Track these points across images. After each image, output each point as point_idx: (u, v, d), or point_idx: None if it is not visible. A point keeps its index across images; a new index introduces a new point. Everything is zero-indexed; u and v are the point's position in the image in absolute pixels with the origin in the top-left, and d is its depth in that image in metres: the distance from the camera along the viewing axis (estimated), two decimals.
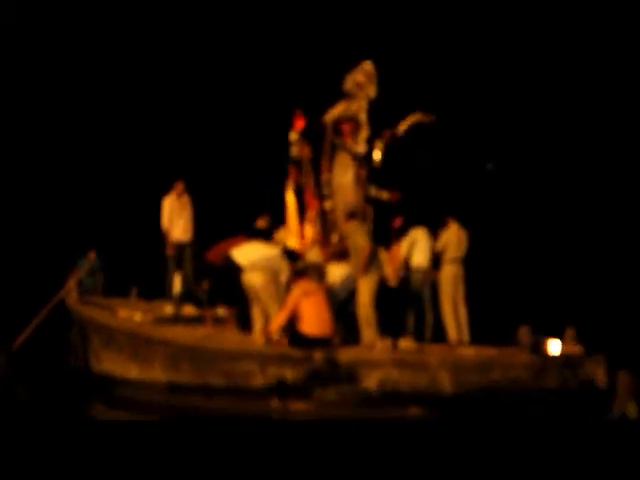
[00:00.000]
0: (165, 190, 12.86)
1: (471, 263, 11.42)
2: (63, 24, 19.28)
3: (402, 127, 12.15)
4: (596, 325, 10.73)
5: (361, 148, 12.08)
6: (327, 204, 12.14)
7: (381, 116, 12.00)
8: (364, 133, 12.13)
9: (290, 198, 12.19)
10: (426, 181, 12.43)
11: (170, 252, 12.68)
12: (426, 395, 9.36)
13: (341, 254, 11.88)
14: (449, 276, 11.38)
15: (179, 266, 12.72)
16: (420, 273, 11.19)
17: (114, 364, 11.47)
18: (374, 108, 12.08)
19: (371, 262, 10.69)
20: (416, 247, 11.27)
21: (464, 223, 11.61)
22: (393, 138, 12.10)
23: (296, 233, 12.19)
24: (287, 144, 12.17)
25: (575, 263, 15.08)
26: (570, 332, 9.84)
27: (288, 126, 12.18)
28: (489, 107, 15.97)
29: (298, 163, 12.22)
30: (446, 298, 11.34)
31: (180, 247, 12.72)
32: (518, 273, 14.66)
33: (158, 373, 10.71)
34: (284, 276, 10.90)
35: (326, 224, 12.11)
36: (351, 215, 11.32)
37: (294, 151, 12.22)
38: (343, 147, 12.14)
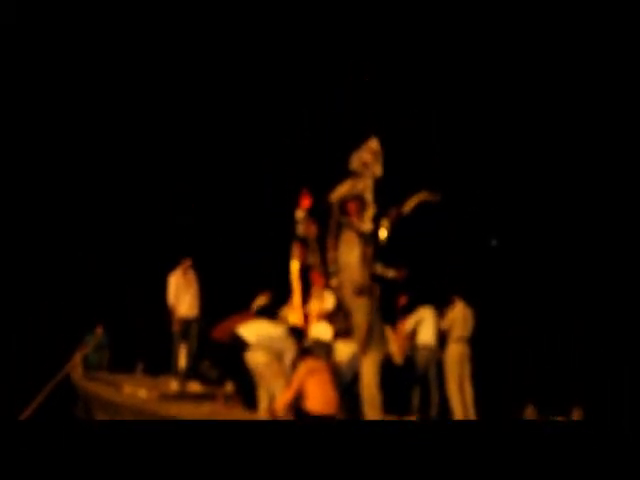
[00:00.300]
0: (171, 266, 12.94)
1: (477, 341, 11.45)
2: (63, 24, 19.38)
3: (408, 206, 12.27)
4: (603, 405, 10.71)
5: (367, 226, 12.15)
6: (333, 282, 12.20)
7: (387, 193, 12.14)
8: (370, 211, 12.21)
9: (295, 275, 12.27)
10: (432, 259, 12.53)
11: (176, 328, 12.71)
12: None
13: (347, 331, 11.92)
14: (455, 355, 11.40)
15: (185, 342, 12.74)
16: (426, 351, 11.22)
17: None
18: (380, 185, 12.22)
19: (374, 341, 10.69)
20: (422, 325, 11.33)
21: (470, 302, 11.67)
22: (399, 216, 12.21)
23: (300, 310, 12.25)
24: (293, 222, 12.30)
25: (581, 342, 15.05)
26: (577, 412, 9.83)
27: (294, 204, 12.32)
28: (490, 183, 16.16)
29: (304, 241, 12.33)
30: (452, 377, 11.34)
31: (186, 323, 12.76)
32: (524, 352, 14.64)
33: None
34: (290, 355, 10.88)
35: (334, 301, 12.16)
36: (360, 292, 11.37)
37: (300, 229, 12.33)
38: (349, 226, 12.22)
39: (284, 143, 17.73)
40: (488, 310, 11.78)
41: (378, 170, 12.19)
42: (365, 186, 12.18)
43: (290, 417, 10.17)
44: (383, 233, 12.00)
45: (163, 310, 12.87)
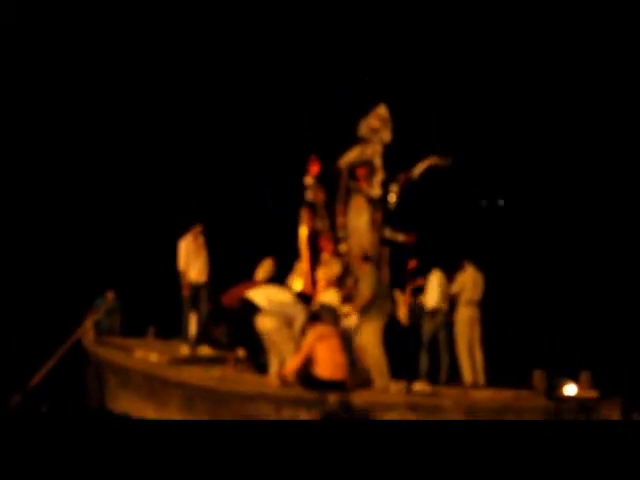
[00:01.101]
0: (182, 232, 12.96)
1: (487, 305, 11.45)
2: (63, 24, 19.39)
3: (417, 170, 12.25)
4: (612, 369, 10.71)
5: (376, 191, 12.18)
6: (342, 247, 12.23)
7: (396, 159, 12.11)
8: (379, 177, 12.23)
9: (303, 241, 12.27)
10: (441, 223, 12.50)
11: (186, 293, 12.75)
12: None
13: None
14: (465, 318, 11.42)
15: (195, 307, 12.79)
16: (435, 315, 11.21)
17: (130, 404, 11.55)
18: (389, 151, 12.19)
19: (375, 309, 10.74)
20: (431, 289, 11.30)
21: (480, 265, 11.65)
22: (408, 181, 12.20)
23: (308, 275, 12.27)
24: (302, 188, 12.29)
25: (591, 306, 15.05)
26: (585, 376, 9.83)
27: (303, 171, 12.30)
28: (496, 144, 16.11)
29: (313, 207, 12.32)
30: (462, 340, 11.38)
31: (196, 288, 12.79)
32: (534, 315, 14.65)
33: (174, 414, 10.75)
34: (300, 321, 10.92)
35: (340, 267, 12.18)
36: (365, 258, 11.38)
37: (309, 195, 12.33)
38: (358, 191, 12.24)
39: (294, 110, 17.67)
40: (498, 274, 11.75)
41: (387, 136, 12.18)
42: (374, 152, 12.20)
43: (299, 382, 10.23)
44: (392, 198, 12.01)
45: (174, 275, 12.91)
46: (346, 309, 11.51)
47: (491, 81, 17.24)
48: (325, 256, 12.20)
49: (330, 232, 12.31)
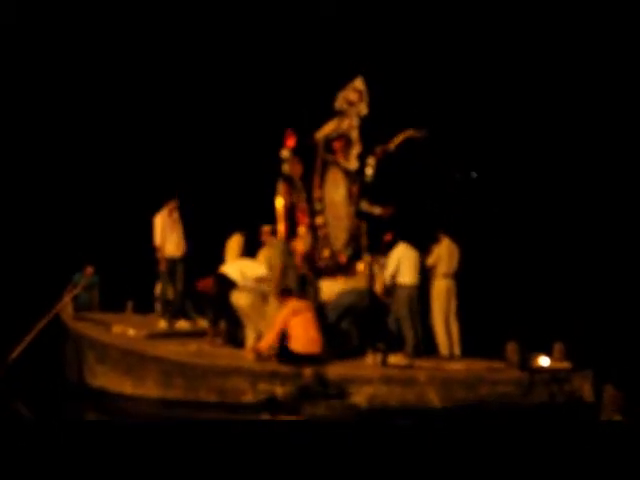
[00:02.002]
0: (157, 207, 12.95)
1: (462, 277, 11.49)
2: (63, 24, 19.34)
3: (394, 143, 12.24)
4: (584, 340, 10.79)
5: (352, 164, 12.19)
6: (319, 219, 12.24)
7: (373, 132, 12.10)
8: (356, 150, 12.23)
9: (280, 214, 12.28)
10: (417, 195, 12.50)
11: (163, 267, 12.77)
12: (415, 410, 9.42)
13: (333, 269, 12.00)
14: (441, 290, 11.43)
15: (172, 281, 12.81)
16: (408, 290, 11.19)
17: (108, 379, 11.59)
18: (365, 124, 12.18)
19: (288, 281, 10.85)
20: (403, 264, 11.25)
21: (455, 237, 11.67)
22: (385, 154, 12.19)
23: None
24: (278, 161, 12.27)
25: (563, 278, 15.16)
26: (558, 347, 9.91)
27: (279, 144, 12.27)
28: (469, 116, 16.18)
29: (289, 180, 12.31)
30: (438, 312, 11.40)
31: (172, 262, 12.82)
32: (507, 287, 14.75)
33: (151, 388, 10.80)
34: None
35: (317, 239, 12.21)
36: (272, 232, 11.44)
37: (285, 168, 12.32)
38: (335, 164, 12.24)
39: (271, 83, 17.62)
40: (472, 246, 11.78)
41: (363, 108, 12.16)
42: (350, 125, 12.19)
43: (274, 356, 10.30)
44: (369, 171, 12.00)
45: (151, 250, 12.92)
46: (325, 282, 11.61)
47: (466, 53, 17.27)
48: (302, 229, 12.22)
49: (306, 205, 12.31)
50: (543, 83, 17.36)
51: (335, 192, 12.25)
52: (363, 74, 12.18)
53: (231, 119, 18.37)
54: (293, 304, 10.36)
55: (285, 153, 12.27)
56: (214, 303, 11.95)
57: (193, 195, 13.78)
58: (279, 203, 12.28)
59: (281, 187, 12.34)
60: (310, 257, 12.00)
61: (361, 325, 11.34)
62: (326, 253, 12.07)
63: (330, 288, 11.58)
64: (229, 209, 15.84)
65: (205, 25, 19.19)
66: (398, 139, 12.22)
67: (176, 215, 12.95)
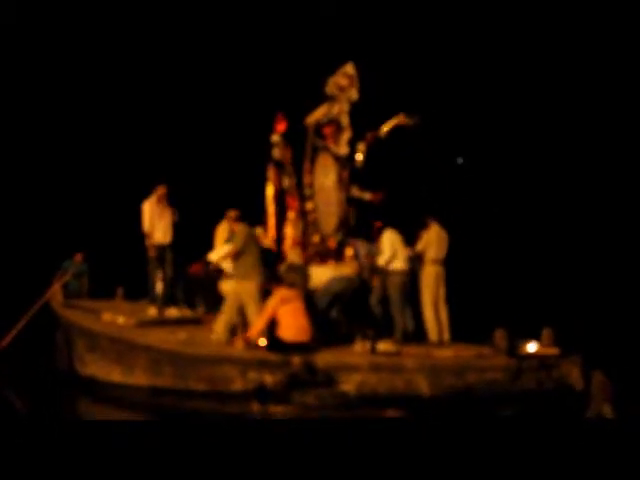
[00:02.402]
0: (146, 193, 12.92)
1: (450, 263, 11.49)
2: (63, 24, 19.30)
3: (385, 129, 12.20)
4: (573, 326, 10.82)
5: (343, 150, 12.15)
6: (308, 205, 12.23)
7: (364, 118, 12.06)
8: (346, 135, 12.19)
9: (270, 199, 12.25)
10: (407, 181, 12.47)
11: (152, 254, 12.76)
12: (404, 398, 9.44)
13: (322, 255, 11.98)
14: (430, 276, 11.44)
15: (161, 268, 12.80)
16: (399, 276, 11.19)
17: (98, 368, 11.57)
18: (356, 110, 12.14)
19: (250, 268, 10.81)
20: (383, 249, 11.24)
21: (444, 223, 11.66)
22: (375, 140, 12.16)
23: (273, 233, 12.30)
24: (269, 146, 12.23)
25: (553, 265, 15.18)
26: (547, 333, 9.93)
27: (270, 128, 12.23)
28: (456, 103, 16.19)
29: (279, 165, 12.28)
30: (427, 298, 11.40)
31: (161, 249, 12.80)
32: (496, 274, 14.77)
33: (141, 377, 10.79)
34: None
35: (307, 225, 12.20)
36: (238, 218, 11.41)
37: (276, 153, 12.29)
38: (325, 149, 12.21)
39: (260, 67, 17.58)
40: (461, 232, 11.79)
41: (354, 94, 12.12)
42: (341, 110, 12.15)
43: (262, 343, 10.30)
44: (359, 157, 11.97)
45: (140, 236, 12.91)
46: (315, 268, 11.59)
47: (454, 42, 17.27)
48: (292, 214, 12.20)
49: (297, 190, 12.29)
50: (540, 76, 17.39)
51: (325, 177, 12.23)
52: (354, 59, 12.12)
53: (222, 104, 18.33)
54: (282, 292, 10.34)
55: (275, 138, 12.25)
56: (205, 290, 11.95)
57: (182, 181, 13.75)
58: (269, 188, 12.25)
59: (271, 172, 12.32)
60: (300, 242, 11.99)
61: (350, 311, 11.34)
62: (316, 238, 12.07)
63: (320, 274, 11.56)
64: (219, 195, 15.75)
65: (197, 13, 19.15)
66: (389, 125, 12.19)
67: (165, 202, 12.91)
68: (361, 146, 12.14)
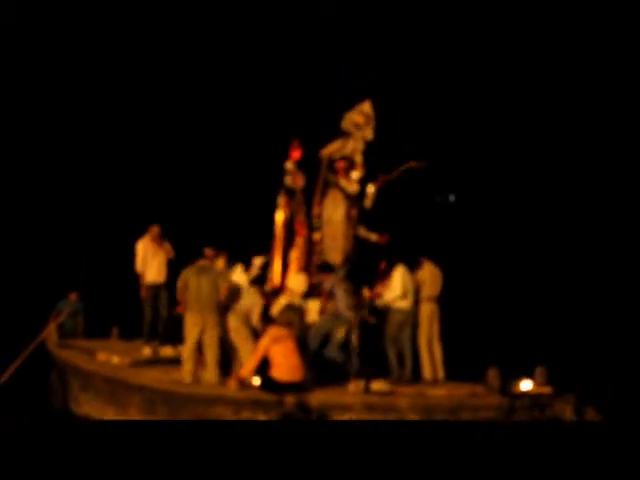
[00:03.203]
0: (142, 232, 12.97)
1: (443, 301, 11.51)
2: (63, 24, 19.41)
3: (395, 173, 12.27)
4: (565, 365, 10.82)
5: (353, 188, 12.22)
6: (316, 235, 12.27)
7: (376, 157, 12.14)
8: (358, 173, 12.27)
9: (279, 225, 12.28)
10: (403, 220, 12.51)
11: (144, 294, 12.78)
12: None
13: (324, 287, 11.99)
14: (425, 314, 11.44)
15: (155, 308, 12.81)
16: (402, 314, 11.19)
17: (92, 407, 11.60)
18: (370, 149, 12.19)
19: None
20: (394, 286, 11.25)
21: (437, 261, 11.69)
22: (386, 183, 12.23)
23: (279, 257, 12.29)
24: (282, 173, 12.28)
25: (544, 302, 15.22)
26: (540, 371, 9.93)
27: (285, 155, 12.29)
28: (447, 140, 16.33)
29: (291, 192, 12.33)
30: (423, 336, 11.41)
31: (155, 289, 12.82)
32: (488, 312, 14.80)
33: (134, 416, 10.78)
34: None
35: (313, 254, 12.21)
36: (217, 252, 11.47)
37: (288, 180, 12.33)
38: (336, 184, 12.27)
39: (279, 95, 17.68)
40: (452, 269, 11.81)
41: (369, 133, 12.20)
42: (355, 148, 12.23)
43: (256, 383, 10.31)
44: (368, 201, 12.03)
45: (135, 275, 12.94)
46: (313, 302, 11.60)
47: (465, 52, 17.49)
48: (299, 240, 12.23)
49: (305, 219, 12.32)
50: (538, 86, 17.56)
51: (334, 212, 12.27)
52: (373, 98, 12.16)
53: (240, 129, 18.39)
54: (274, 332, 10.36)
55: (289, 165, 12.30)
56: None
57: (178, 218, 13.79)
58: (279, 214, 12.30)
59: (282, 199, 12.35)
60: (305, 269, 12.02)
61: (345, 349, 11.34)
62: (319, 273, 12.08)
63: (315, 308, 11.58)
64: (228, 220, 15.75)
65: (206, 32, 19.24)
66: (400, 170, 12.25)
67: (158, 241, 12.94)
68: (371, 188, 12.19)
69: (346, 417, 9.60)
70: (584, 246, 16.09)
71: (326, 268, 11.67)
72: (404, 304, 11.20)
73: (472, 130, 16.86)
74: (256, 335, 10.93)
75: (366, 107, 12.24)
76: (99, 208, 18.59)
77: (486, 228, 14.87)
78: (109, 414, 11.18)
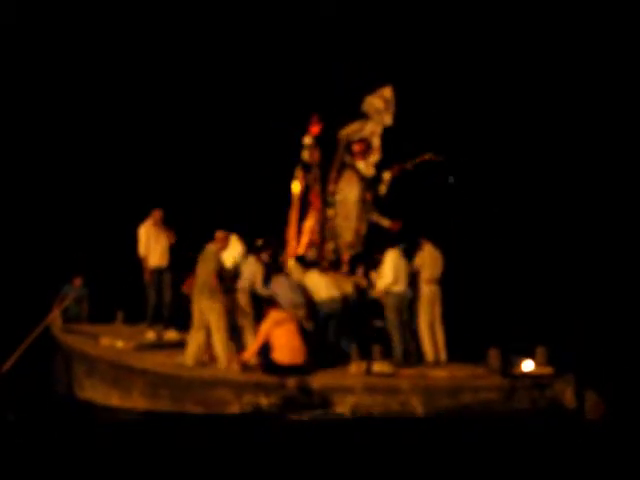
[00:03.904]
0: (145, 216, 13.00)
1: (445, 283, 11.51)
2: (63, 24, 19.40)
3: (412, 163, 12.26)
4: (567, 345, 10.83)
5: (369, 171, 12.23)
6: (329, 212, 12.29)
7: (394, 144, 12.14)
8: (374, 157, 12.26)
9: (295, 197, 12.31)
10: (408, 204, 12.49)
11: (147, 278, 12.82)
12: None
13: (332, 264, 12.03)
14: (426, 296, 11.42)
15: (158, 291, 12.86)
16: (399, 297, 11.17)
17: (96, 392, 11.67)
18: (389, 134, 12.18)
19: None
20: (387, 270, 11.24)
21: (438, 243, 11.68)
22: (402, 172, 12.21)
23: (294, 229, 12.33)
24: (300, 147, 12.29)
25: (546, 283, 15.23)
26: (541, 352, 9.96)
27: (303, 129, 12.29)
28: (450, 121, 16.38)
29: (307, 166, 12.34)
30: (424, 318, 11.38)
31: (158, 272, 12.86)
32: (490, 293, 14.81)
33: (138, 400, 10.87)
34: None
35: (325, 229, 12.22)
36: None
37: (305, 155, 12.33)
38: (352, 166, 12.28)
39: (301, 73, 17.66)
40: (454, 251, 11.81)
41: (388, 119, 12.19)
42: (373, 131, 12.23)
43: (259, 366, 10.37)
44: (383, 188, 12.03)
45: (138, 259, 12.99)
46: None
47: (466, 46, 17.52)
48: (313, 211, 12.28)
49: (321, 193, 12.32)
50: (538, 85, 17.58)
51: (349, 192, 12.28)
52: (394, 84, 12.14)
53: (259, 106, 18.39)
54: (275, 315, 10.40)
55: (308, 140, 12.28)
56: None
57: (182, 201, 13.81)
58: (295, 186, 12.32)
59: (299, 172, 12.36)
60: (316, 243, 12.06)
61: (346, 331, 11.39)
62: (330, 246, 12.11)
63: (315, 283, 11.57)
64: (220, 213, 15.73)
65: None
66: (416, 160, 12.24)
67: (161, 225, 12.95)
68: (386, 176, 12.18)
69: (348, 399, 9.66)
70: (586, 229, 16.11)
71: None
72: (397, 288, 11.17)
73: (474, 126, 16.92)
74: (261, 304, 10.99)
75: (387, 92, 12.22)
76: (102, 193, 18.59)
77: (487, 211, 14.91)
78: (113, 398, 11.26)
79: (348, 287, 11.78)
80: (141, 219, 13.07)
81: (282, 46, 18.69)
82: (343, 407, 9.66)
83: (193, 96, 19.37)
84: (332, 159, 12.35)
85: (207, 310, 10.75)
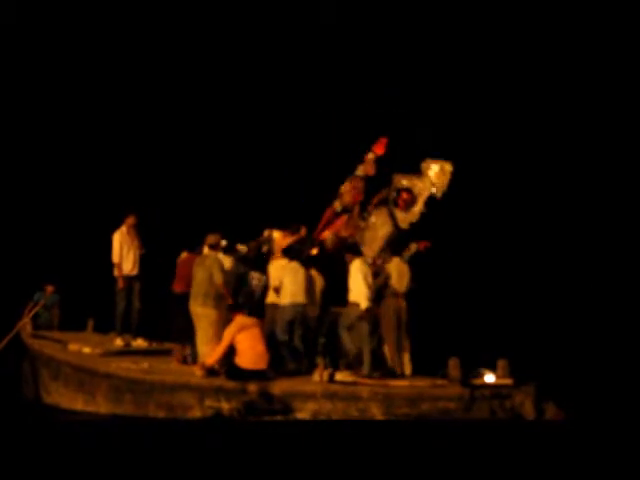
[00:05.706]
0: (118, 223, 13.03)
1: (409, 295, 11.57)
2: (63, 24, 19.49)
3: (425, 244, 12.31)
4: (527, 357, 10.89)
5: (404, 225, 12.29)
6: (361, 223, 12.33)
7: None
8: (412, 216, 12.32)
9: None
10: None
11: (120, 286, 12.82)
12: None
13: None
14: (390, 309, 11.47)
15: (128, 299, 12.87)
16: (357, 307, 11.19)
17: (61, 396, 11.68)
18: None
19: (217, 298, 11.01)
20: (356, 281, 11.27)
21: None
22: (426, 249, 12.27)
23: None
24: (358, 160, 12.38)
25: (508, 295, 15.33)
26: (502, 364, 10.01)
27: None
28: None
29: (362, 180, 12.41)
30: (389, 331, 11.43)
31: (130, 280, 12.87)
32: (453, 305, 14.90)
33: (102, 405, 10.89)
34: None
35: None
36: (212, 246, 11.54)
37: (360, 169, 12.39)
38: (391, 211, 12.34)
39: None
40: (421, 265, 11.89)
41: (439, 190, 12.27)
42: (421, 193, 12.30)
43: (222, 371, 10.39)
44: (408, 251, 12.07)
45: (111, 267, 12.99)
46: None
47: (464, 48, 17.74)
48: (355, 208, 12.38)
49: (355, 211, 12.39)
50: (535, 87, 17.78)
51: (380, 227, 12.29)
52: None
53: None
54: (240, 320, 10.46)
55: (371, 155, 12.34)
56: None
57: (154, 209, 13.87)
58: (345, 188, 12.40)
59: (354, 183, 12.41)
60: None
61: (310, 339, 11.44)
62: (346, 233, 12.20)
63: (275, 268, 11.69)
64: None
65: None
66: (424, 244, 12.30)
67: (134, 232, 12.96)
68: (413, 246, 12.14)
69: (308, 405, 9.69)
70: (548, 240, 16.26)
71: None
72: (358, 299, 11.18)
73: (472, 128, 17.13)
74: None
75: (448, 166, 12.29)
76: (75, 201, 18.56)
77: (454, 223, 15.07)
78: (78, 403, 11.29)
79: (319, 284, 11.79)
80: (114, 226, 13.09)
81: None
82: (303, 413, 9.69)
83: (193, 96, 19.46)
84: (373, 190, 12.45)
85: (199, 317, 10.88)
